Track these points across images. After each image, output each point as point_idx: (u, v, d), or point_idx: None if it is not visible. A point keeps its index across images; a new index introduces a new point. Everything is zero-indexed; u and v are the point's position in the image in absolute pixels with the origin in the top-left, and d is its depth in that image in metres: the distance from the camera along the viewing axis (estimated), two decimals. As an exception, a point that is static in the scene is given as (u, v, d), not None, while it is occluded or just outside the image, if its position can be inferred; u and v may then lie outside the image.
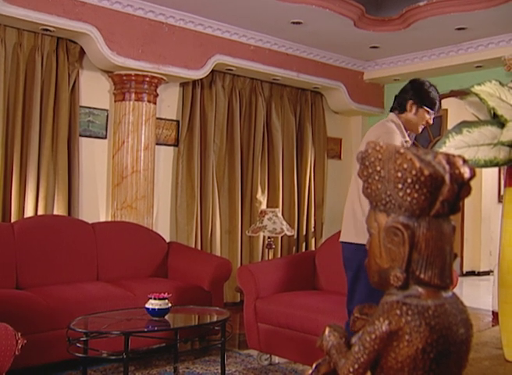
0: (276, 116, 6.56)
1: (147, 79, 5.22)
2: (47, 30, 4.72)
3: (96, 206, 5.31)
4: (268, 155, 6.49)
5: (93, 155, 5.31)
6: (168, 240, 5.41)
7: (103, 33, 4.85)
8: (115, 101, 5.32)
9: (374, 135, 2.99)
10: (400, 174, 0.81)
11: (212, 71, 5.79)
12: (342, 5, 5.18)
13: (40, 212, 4.77)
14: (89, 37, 4.82)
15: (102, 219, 5.29)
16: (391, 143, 3.09)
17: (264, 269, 4.31)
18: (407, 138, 3.05)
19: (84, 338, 3.32)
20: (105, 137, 5.38)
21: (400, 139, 2.97)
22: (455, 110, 7.69)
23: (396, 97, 3.17)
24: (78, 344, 3.33)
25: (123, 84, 5.21)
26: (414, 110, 3.07)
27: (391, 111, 3.15)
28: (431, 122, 3.10)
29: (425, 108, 3.06)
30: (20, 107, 4.73)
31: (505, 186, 1.29)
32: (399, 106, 3.10)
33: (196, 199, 5.83)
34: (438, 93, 3.11)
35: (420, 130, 3.11)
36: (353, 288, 2.96)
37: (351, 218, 3.00)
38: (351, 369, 0.86)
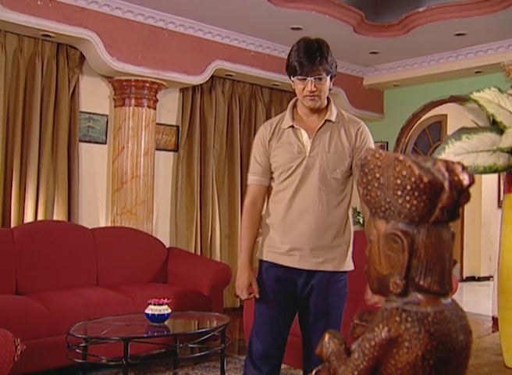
0: (276, 121, 6.56)
1: (147, 84, 5.24)
2: (47, 35, 4.73)
3: (96, 211, 5.31)
4: (268, 160, 6.49)
5: (93, 160, 5.31)
6: (167, 245, 5.40)
7: (103, 39, 4.86)
8: (115, 107, 5.33)
9: None
10: (399, 181, 0.81)
11: (212, 76, 5.80)
12: (341, 11, 5.20)
13: (40, 217, 4.77)
14: (89, 43, 4.84)
15: (102, 224, 5.29)
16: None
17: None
18: (291, 122, 2.47)
19: (84, 344, 3.32)
20: (105, 143, 5.39)
21: (257, 141, 2.55)
22: (454, 115, 7.70)
23: None
24: (77, 350, 3.32)
25: (123, 90, 5.23)
26: (293, 85, 2.48)
27: None
28: (309, 88, 2.37)
29: (292, 78, 2.44)
30: (20, 112, 4.74)
31: (504, 192, 1.30)
32: None
33: (196, 204, 5.83)
34: (303, 48, 2.37)
35: (308, 103, 2.42)
36: None
37: None
38: (351, 376, 0.86)
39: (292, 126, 2.46)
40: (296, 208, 2.41)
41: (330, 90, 2.47)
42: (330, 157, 2.40)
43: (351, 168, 2.46)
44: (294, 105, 2.54)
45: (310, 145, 2.41)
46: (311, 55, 2.35)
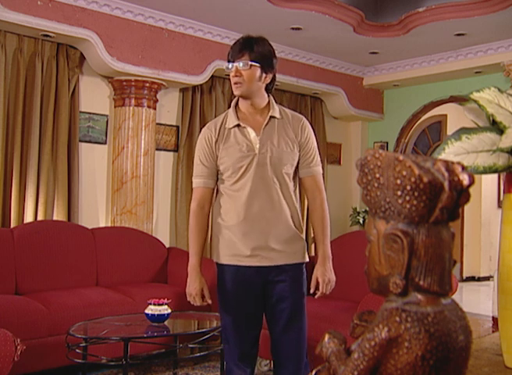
0: (276, 121, 6.56)
1: (147, 84, 5.24)
2: (47, 35, 4.74)
3: (96, 212, 5.31)
4: (268, 160, 6.49)
5: (93, 160, 5.31)
6: (167, 245, 5.40)
7: (103, 39, 4.87)
8: (114, 107, 5.33)
9: None
10: (399, 181, 0.81)
11: (212, 77, 5.80)
12: (341, 11, 5.20)
13: (40, 217, 4.77)
14: (89, 43, 4.84)
15: (102, 224, 5.28)
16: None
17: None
18: (237, 121, 2.41)
19: (84, 344, 3.32)
20: (105, 143, 5.39)
21: (202, 143, 2.45)
22: (455, 115, 7.71)
23: None
24: (77, 350, 3.32)
25: (123, 90, 5.23)
26: None
27: None
28: (233, 74, 2.37)
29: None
30: (20, 112, 4.74)
31: (504, 192, 1.29)
32: None
33: (196, 204, 5.82)
34: (238, 40, 2.42)
35: (235, 91, 2.39)
36: None
37: None
38: (351, 376, 0.86)
39: (238, 125, 2.41)
40: (255, 207, 2.37)
41: (272, 87, 2.47)
42: (280, 152, 2.40)
43: (298, 164, 2.48)
44: (237, 104, 2.49)
45: (258, 142, 2.38)
46: (240, 43, 2.38)
